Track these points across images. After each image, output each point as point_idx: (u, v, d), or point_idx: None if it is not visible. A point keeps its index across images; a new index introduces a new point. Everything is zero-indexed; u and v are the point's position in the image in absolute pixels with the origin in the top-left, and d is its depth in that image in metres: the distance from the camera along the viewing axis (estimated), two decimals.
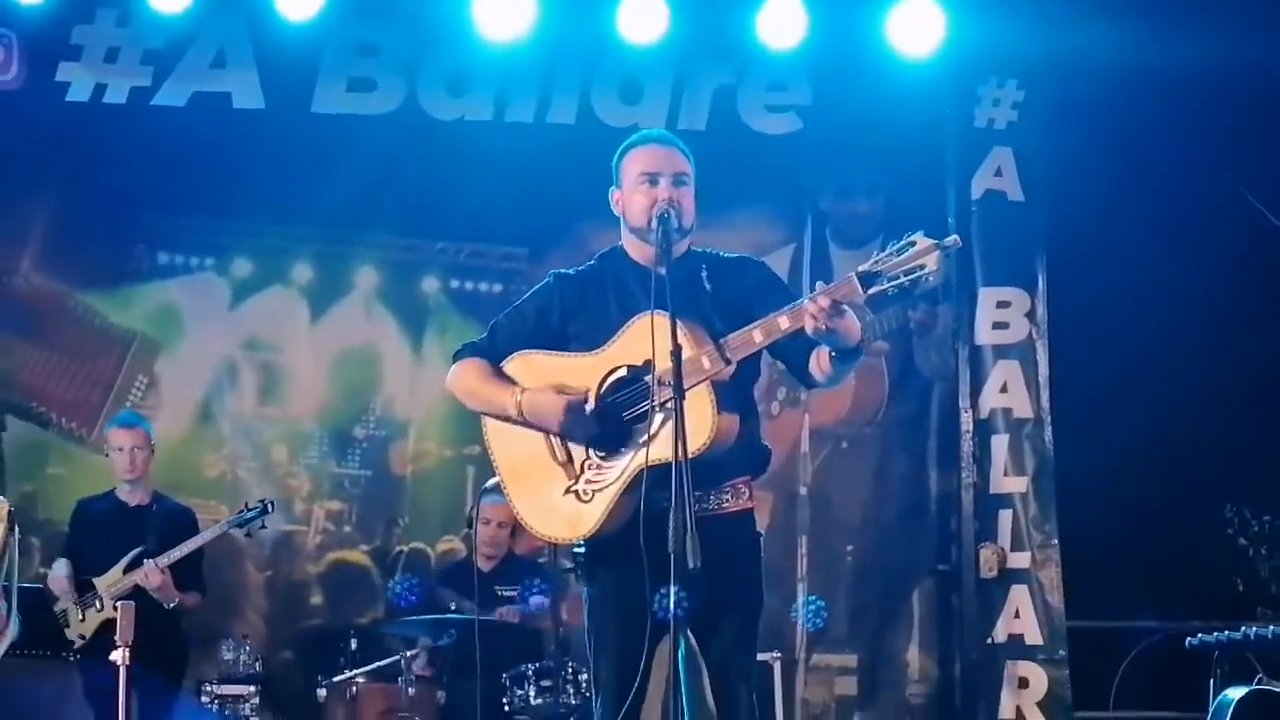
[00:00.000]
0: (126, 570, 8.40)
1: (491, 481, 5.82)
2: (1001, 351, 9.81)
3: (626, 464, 5.06)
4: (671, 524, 4.64)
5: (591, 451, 5.20)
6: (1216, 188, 9.40)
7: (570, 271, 5.47)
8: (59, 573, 8.47)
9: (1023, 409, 9.76)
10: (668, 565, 4.64)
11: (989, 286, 9.80)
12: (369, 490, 9.95)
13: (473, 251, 10.03)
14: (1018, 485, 9.72)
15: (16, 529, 4.95)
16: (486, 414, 5.40)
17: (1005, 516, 9.71)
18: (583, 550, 5.32)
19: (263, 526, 8.75)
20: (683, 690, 5.12)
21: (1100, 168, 9.38)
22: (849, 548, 9.94)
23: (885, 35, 9.40)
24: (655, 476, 4.84)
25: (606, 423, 5.15)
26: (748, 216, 9.48)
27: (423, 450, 9.95)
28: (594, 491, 5.16)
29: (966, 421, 9.82)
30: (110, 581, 8.38)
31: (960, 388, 9.87)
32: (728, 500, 5.21)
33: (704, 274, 5.26)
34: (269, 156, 9.46)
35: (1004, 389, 9.79)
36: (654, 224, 5.13)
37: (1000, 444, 9.76)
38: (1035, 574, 9.63)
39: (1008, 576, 9.66)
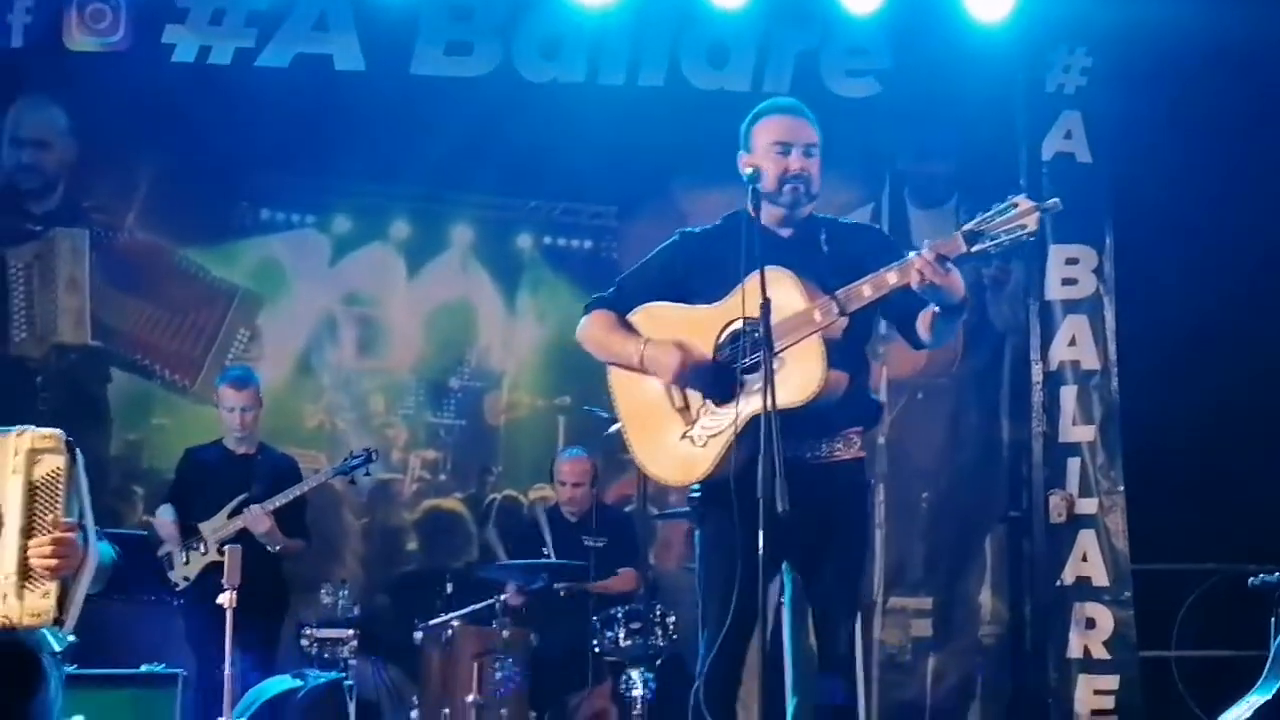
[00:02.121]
0: (231, 516, 8.58)
1: (612, 429, 6.09)
2: (1070, 306, 9.98)
3: (739, 411, 5.29)
4: (760, 470, 4.85)
5: (706, 399, 5.47)
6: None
7: (696, 230, 5.73)
8: (165, 517, 8.66)
9: (1090, 361, 9.93)
10: (773, 508, 4.85)
11: (1059, 244, 9.97)
12: (463, 439, 10.14)
13: (564, 209, 10.23)
14: (1085, 434, 9.87)
15: (80, 458, 5.14)
16: (611, 363, 5.68)
17: (1073, 464, 9.88)
18: (698, 494, 5.58)
19: (366, 474, 8.97)
20: (786, 629, 5.48)
21: (1166, 131, 9.54)
22: (924, 494, 10.12)
23: (961, 2, 9.59)
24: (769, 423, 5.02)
25: (721, 373, 5.40)
26: (828, 177, 9.10)
27: (515, 401, 10.16)
28: (708, 437, 5.42)
29: (1037, 373, 10.01)
30: (215, 527, 8.58)
31: (1031, 341, 10.06)
32: (839, 449, 5.47)
33: (822, 237, 5.55)
34: (368, 117, 9.66)
35: (1072, 342, 9.96)
36: (783, 190, 5.45)
37: (1069, 395, 9.92)
38: (1102, 519, 9.79)
39: (1076, 522, 9.82)
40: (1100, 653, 9.77)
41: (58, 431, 5.03)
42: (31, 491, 4.94)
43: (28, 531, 4.90)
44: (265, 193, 9.93)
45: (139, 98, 9.39)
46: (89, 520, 5.06)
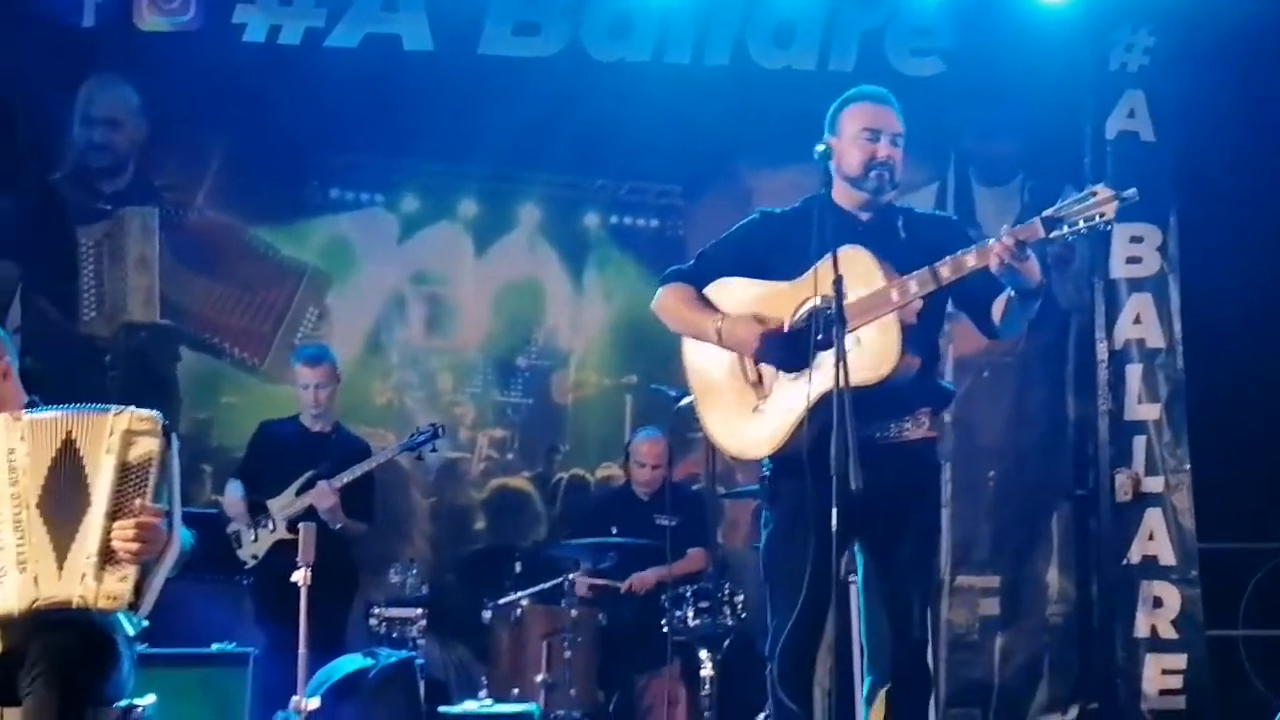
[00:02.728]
0: (299, 493, 8.54)
1: (684, 402, 6.19)
2: (1135, 284, 9.99)
3: (813, 386, 5.29)
4: (833, 447, 4.92)
5: (781, 374, 5.51)
6: None
7: (777, 211, 5.80)
8: (233, 495, 8.65)
9: (1155, 339, 9.93)
10: (845, 485, 4.91)
11: (1123, 223, 9.75)
12: (531, 418, 10.18)
13: (631, 188, 10.28)
14: (1151, 412, 9.88)
15: (175, 444, 5.14)
16: (687, 335, 5.75)
17: (1139, 442, 9.87)
18: (769, 471, 5.64)
19: (433, 449, 8.89)
20: (859, 609, 5.58)
21: (1230, 108, 9.55)
22: (991, 473, 10.08)
23: None
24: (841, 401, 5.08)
25: (796, 347, 5.43)
26: None
27: (583, 379, 10.19)
28: (781, 411, 5.47)
29: (1102, 351, 10.02)
30: (283, 504, 8.54)
31: (1096, 319, 10.07)
32: (909, 429, 5.51)
33: (900, 223, 5.63)
34: (437, 97, 9.69)
35: (1137, 320, 9.96)
36: (869, 176, 5.52)
37: (1134, 373, 9.93)
38: (1168, 497, 9.78)
39: (1142, 500, 9.81)
40: (1168, 632, 9.74)
41: (156, 414, 5.07)
42: (123, 473, 4.98)
43: (114, 513, 4.94)
44: (334, 172, 9.99)
45: (209, 77, 9.41)
46: (176, 507, 5.07)
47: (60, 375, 9.03)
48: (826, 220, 5.26)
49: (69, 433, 5.02)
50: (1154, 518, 9.85)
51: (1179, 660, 9.70)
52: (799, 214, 5.69)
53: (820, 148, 5.46)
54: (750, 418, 5.57)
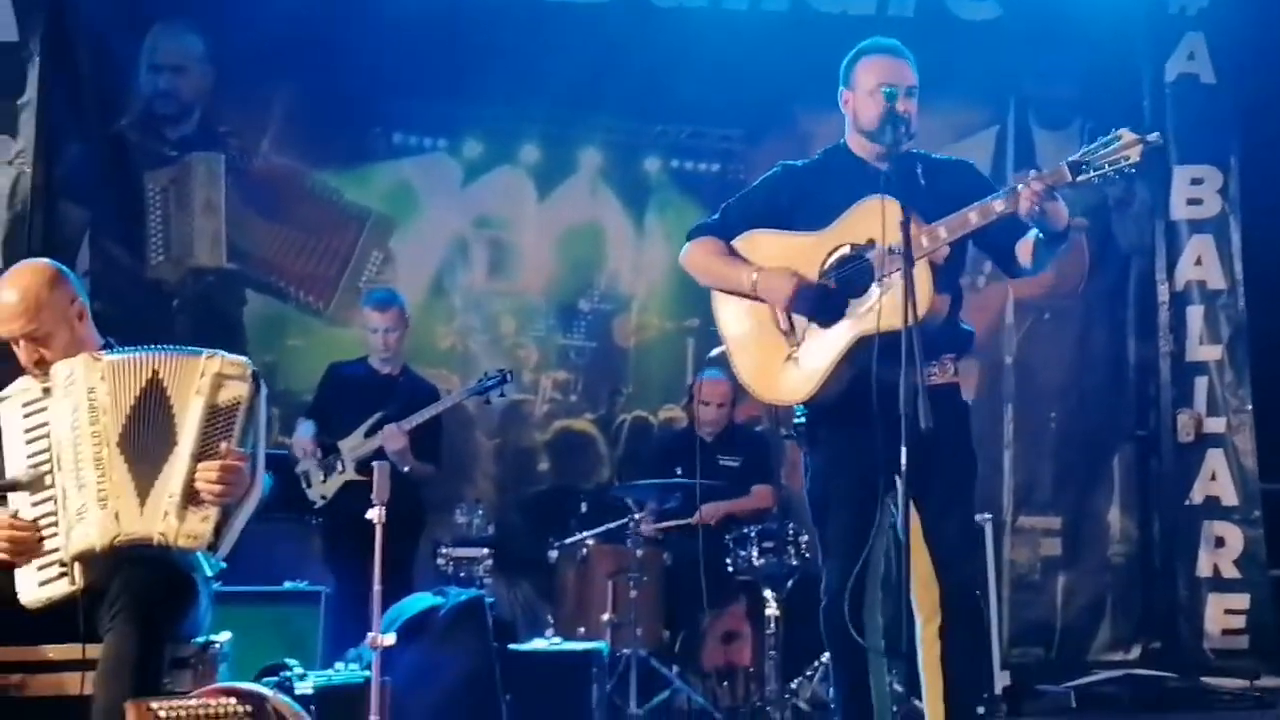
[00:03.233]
0: (368, 435, 8.53)
1: (716, 351, 6.15)
2: (1196, 226, 10.03)
3: (844, 333, 5.41)
4: (902, 386, 4.94)
5: (812, 322, 5.58)
6: None
7: (797, 163, 5.88)
8: (304, 435, 8.63)
9: (1216, 280, 9.98)
10: (886, 429, 5.02)
11: (1183, 165, 10.02)
12: (594, 361, 10.21)
13: (692, 133, 10.28)
14: (1213, 353, 9.93)
15: (264, 390, 5.20)
16: (718, 289, 5.80)
17: (1201, 383, 9.93)
18: (803, 417, 5.72)
19: (501, 395, 8.83)
20: (908, 549, 5.45)
21: None
22: (1052, 414, 10.14)
23: None
24: (874, 345, 5.22)
25: (830, 296, 5.52)
26: (953, 101, 9.59)
27: (645, 323, 10.22)
28: (815, 359, 5.53)
29: (1163, 293, 10.08)
30: (353, 445, 8.54)
31: (1157, 261, 10.12)
32: (935, 374, 5.53)
33: (919, 170, 5.63)
34: (498, 43, 9.72)
35: (1198, 262, 10.00)
36: (886, 130, 5.48)
37: (1195, 314, 9.98)
38: (1230, 438, 9.84)
39: (1204, 441, 9.88)
40: (1230, 572, 9.80)
41: (246, 360, 5.13)
42: (211, 415, 5.05)
43: (199, 455, 4.99)
44: (397, 117, 10.02)
45: (273, 24, 9.40)
46: (260, 452, 5.12)
47: (128, 318, 9.03)
48: (848, 172, 5.41)
49: (155, 373, 5.09)
50: (1216, 458, 9.90)
51: (1242, 600, 9.76)
52: (819, 166, 5.81)
53: (843, 77, 5.66)
54: (784, 366, 5.64)
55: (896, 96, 5.50)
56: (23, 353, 5.24)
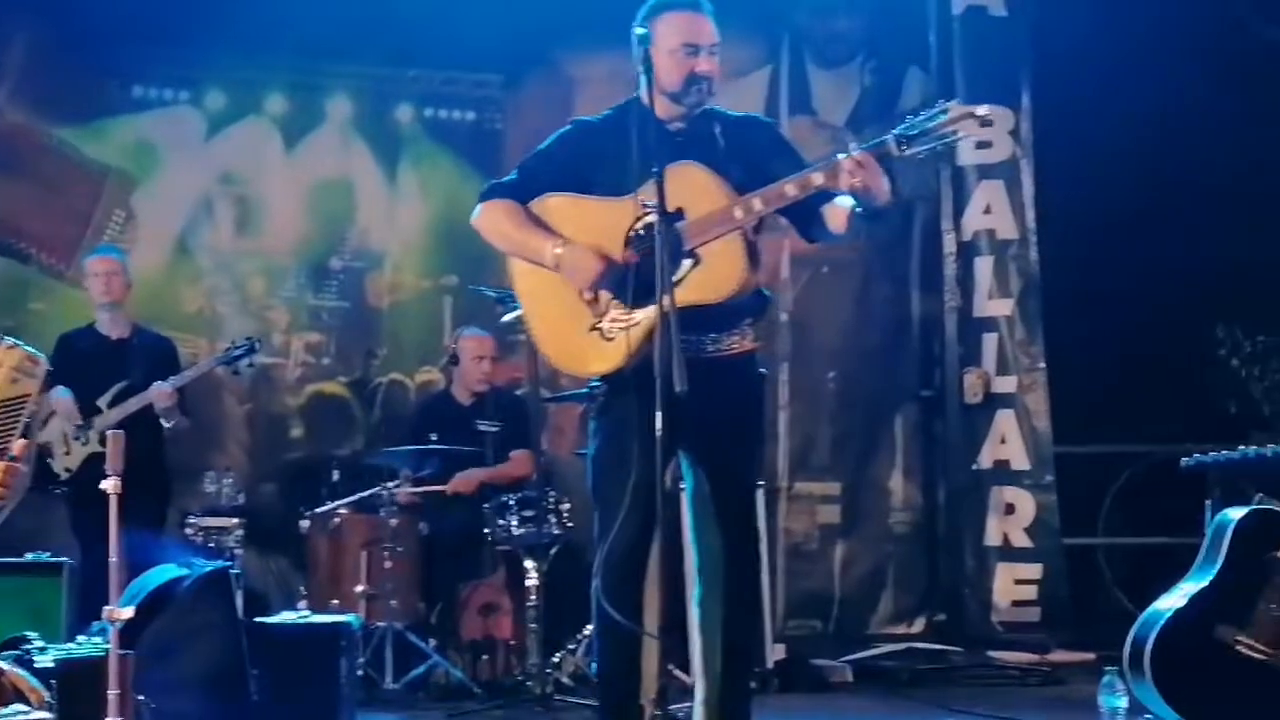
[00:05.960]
0: (110, 406, 8.34)
1: (510, 316, 6.02)
2: (985, 171, 9.70)
3: (651, 309, 5.12)
4: (656, 351, 4.85)
5: (616, 299, 5.35)
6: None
7: (594, 120, 5.57)
8: (62, 395, 8.36)
9: (1007, 230, 9.65)
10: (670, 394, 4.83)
11: (971, 104, 9.53)
12: (347, 322, 9.99)
13: (446, 79, 10.03)
14: (1003, 308, 9.64)
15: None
16: (517, 256, 5.50)
17: (990, 340, 9.66)
18: (601, 386, 5.48)
19: (250, 365, 8.67)
20: (689, 519, 5.45)
21: None
22: (830, 374, 9.97)
23: None
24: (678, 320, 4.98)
25: (637, 270, 5.26)
26: (721, 37, 9.26)
27: (399, 281, 10.00)
28: (618, 331, 5.29)
29: (949, 243, 9.78)
30: (101, 417, 8.34)
31: (942, 209, 9.84)
32: (736, 342, 5.39)
33: (717, 130, 5.41)
34: None
35: (987, 210, 9.68)
36: (690, 91, 5.28)
37: (984, 266, 9.67)
38: (1022, 398, 9.58)
39: (993, 401, 9.62)
40: (1021, 540, 9.56)
41: (43, 356, 4.78)
42: (1, 409, 4.70)
43: None
44: (136, 69, 9.72)
45: None
46: (33, 450, 4.87)
47: None
48: (645, 133, 5.12)
49: None
50: (1006, 420, 9.64)
51: (1033, 570, 9.54)
52: (614, 124, 5.47)
53: (639, 30, 5.20)
54: (586, 335, 5.39)
55: (699, 55, 5.25)
56: None
